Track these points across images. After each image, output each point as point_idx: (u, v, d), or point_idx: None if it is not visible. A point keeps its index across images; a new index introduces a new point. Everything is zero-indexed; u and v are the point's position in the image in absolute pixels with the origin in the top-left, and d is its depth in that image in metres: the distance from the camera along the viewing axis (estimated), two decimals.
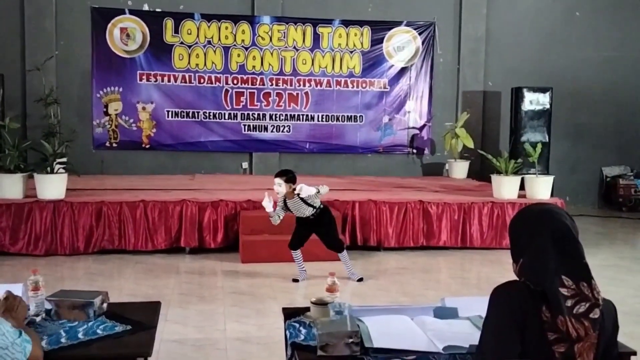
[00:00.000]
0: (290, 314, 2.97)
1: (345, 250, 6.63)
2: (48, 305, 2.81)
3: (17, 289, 2.71)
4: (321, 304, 2.88)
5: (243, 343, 4.82)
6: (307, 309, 2.95)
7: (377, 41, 11.40)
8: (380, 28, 11.40)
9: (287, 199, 6.38)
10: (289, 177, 6.39)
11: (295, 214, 6.45)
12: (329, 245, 6.59)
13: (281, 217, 6.40)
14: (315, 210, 6.39)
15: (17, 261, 7.23)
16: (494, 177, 8.76)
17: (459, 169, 11.20)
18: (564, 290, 1.88)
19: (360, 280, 6.66)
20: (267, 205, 6.26)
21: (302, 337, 2.67)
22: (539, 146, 8.99)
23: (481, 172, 11.14)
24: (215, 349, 4.69)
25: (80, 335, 2.59)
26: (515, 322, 1.90)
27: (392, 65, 11.51)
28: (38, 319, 2.75)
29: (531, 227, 2.01)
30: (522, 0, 11.91)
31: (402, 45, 11.50)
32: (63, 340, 2.54)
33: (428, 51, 11.59)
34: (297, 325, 2.81)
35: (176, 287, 6.38)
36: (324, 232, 6.53)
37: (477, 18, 11.69)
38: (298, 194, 6.23)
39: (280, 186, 6.32)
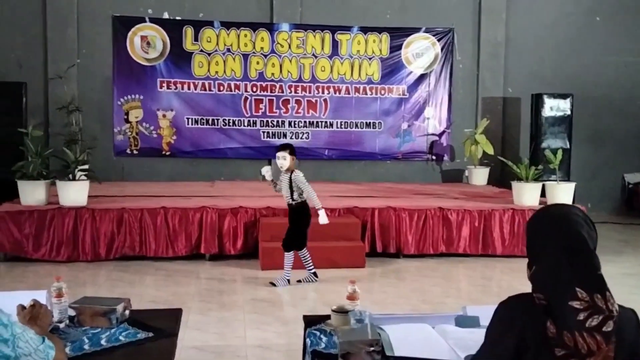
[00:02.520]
0: (311, 321, 2.96)
1: (305, 249, 6.71)
2: (71, 312, 2.84)
3: (41, 296, 2.74)
4: (342, 312, 2.87)
5: (263, 350, 4.82)
6: (328, 317, 2.95)
7: (395, 48, 11.39)
8: (399, 34, 11.39)
9: (283, 173, 6.53)
10: (292, 149, 6.53)
11: (279, 190, 6.61)
12: (291, 240, 6.62)
13: (279, 190, 6.61)
14: (294, 201, 6.51)
15: (39, 267, 7.31)
16: (515, 184, 8.71)
17: (479, 176, 11.14)
18: (576, 304, 1.79)
19: (311, 281, 6.78)
20: (267, 173, 6.48)
21: (323, 345, 2.67)
22: (560, 152, 8.93)
23: (501, 178, 11.07)
24: (236, 356, 4.70)
25: (103, 342, 2.61)
26: (512, 341, 1.84)
27: (411, 72, 11.49)
28: (62, 325, 2.78)
29: (545, 234, 1.94)
30: (542, 5, 11.84)
31: (421, 51, 11.48)
32: (86, 347, 2.56)
33: (447, 57, 11.56)
34: (317, 333, 2.81)
35: (196, 294, 6.41)
36: (295, 224, 6.61)
37: (497, 23, 11.65)
38: (291, 171, 6.41)
39: (285, 159, 6.42)
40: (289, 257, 6.64)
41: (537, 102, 10.91)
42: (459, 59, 11.66)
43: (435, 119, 11.64)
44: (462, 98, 11.72)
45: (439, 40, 11.51)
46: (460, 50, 11.62)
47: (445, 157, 11.74)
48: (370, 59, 11.34)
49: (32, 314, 2.40)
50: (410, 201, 8.68)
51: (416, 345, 2.54)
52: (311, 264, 6.78)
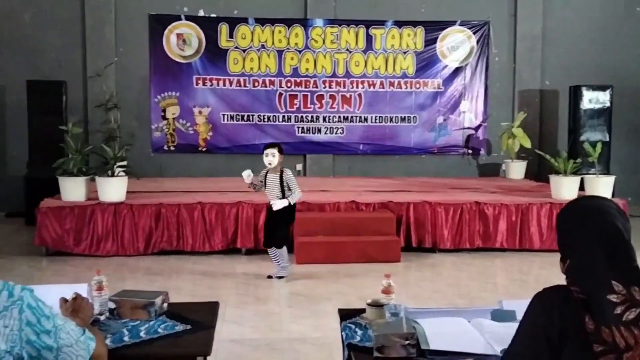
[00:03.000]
0: (346, 315, 2.98)
1: (285, 249, 6.65)
2: (111, 305, 2.90)
3: (82, 289, 2.80)
4: (377, 305, 2.88)
5: (299, 343, 4.86)
6: (363, 311, 2.96)
7: (430, 41, 11.31)
8: (433, 28, 11.30)
9: (269, 173, 6.45)
10: (281, 147, 6.50)
11: (267, 192, 6.49)
12: (273, 238, 6.56)
13: (259, 190, 6.53)
14: (284, 201, 6.40)
15: (80, 262, 7.46)
16: (553, 178, 8.58)
17: (516, 170, 11.00)
18: (613, 297, 1.74)
19: (280, 277, 6.71)
20: (247, 177, 6.32)
21: (358, 338, 2.68)
22: (599, 145, 8.77)
23: (539, 172, 10.92)
24: (272, 349, 4.75)
25: (142, 334, 2.66)
26: (549, 334, 1.78)
27: (446, 66, 11.40)
28: (102, 317, 2.84)
29: (579, 226, 1.88)
30: None
31: (456, 45, 11.38)
32: (126, 338, 2.62)
33: (483, 50, 11.44)
34: (353, 326, 2.82)
35: (233, 288, 6.48)
36: (279, 222, 6.50)
37: (533, 15, 11.47)
38: (282, 170, 6.36)
39: (274, 156, 6.35)
40: (272, 251, 6.65)
41: (575, 94, 10.73)
42: (495, 51, 11.52)
43: (471, 112, 11.53)
44: (499, 91, 11.59)
45: (474, 33, 11.39)
46: (496, 43, 11.48)
47: (482, 151, 11.62)
48: (404, 53, 11.28)
49: (74, 307, 2.46)
50: (446, 195, 8.62)
51: (451, 339, 2.53)
52: (285, 259, 6.72)
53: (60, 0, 10.69)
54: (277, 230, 6.54)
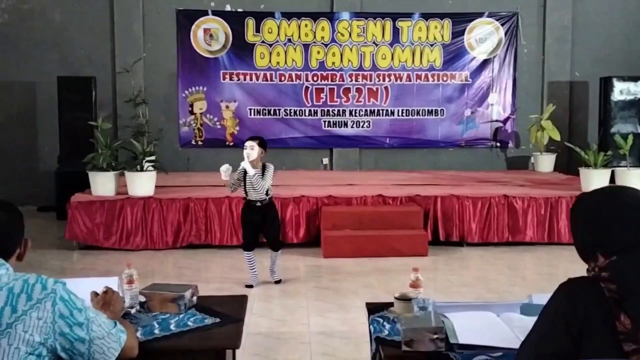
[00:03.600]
0: (374, 309, 2.97)
1: (280, 252, 6.40)
2: (142, 298, 2.93)
3: (113, 282, 2.84)
4: (405, 299, 2.87)
5: (327, 337, 4.87)
6: (391, 304, 2.95)
7: (458, 33, 11.21)
8: (461, 20, 11.20)
9: (249, 170, 5.97)
10: (262, 141, 6.13)
11: (248, 190, 6.08)
12: (272, 241, 6.34)
13: (236, 188, 6.17)
14: (265, 198, 6.08)
15: (110, 255, 7.56)
16: (583, 171, 8.47)
17: (545, 163, 10.87)
18: None
19: (278, 282, 6.40)
20: (225, 172, 5.96)
21: (386, 332, 2.68)
22: (631, 137, 8.64)
23: (568, 165, 10.78)
24: (300, 343, 4.77)
25: (172, 327, 2.69)
26: (570, 324, 1.71)
27: (474, 58, 11.29)
28: (133, 310, 2.87)
29: (623, 220, 1.78)
30: None
31: (484, 36, 11.26)
32: (156, 331, 2.65)
33: (511, 42, 11.30)
34: (380, 320, 2.82)
35: (260, 281, 6.51)
36: (270, 224, 6.22)
37: (563, 6, 11.30)
38: (264, 165, 6.04)
39: (253, 149, 5.95)
40: (249, 255, 6.30)
41: (606, 85, 10.56)
42: (524, 43, 11.38)
43: (499, 105, 11.42)
44: (527, 83, 11.45)
45: (502, 24, 11.27)
46: (525, 34, 11.34)
47: (510, 144, 11.51)
48: (432, 45, 11.20)
49: (105, 300, 2.50)
50: (474, 189, 8.56)
51: (480, 333, 2.52)
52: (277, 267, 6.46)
53: None
54: (272, 231, 6.28)
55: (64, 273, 6.74)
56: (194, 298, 2.98)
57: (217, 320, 2.78)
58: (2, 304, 1.97)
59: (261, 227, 6.25)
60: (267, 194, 6.10)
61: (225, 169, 5.96)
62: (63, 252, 7.72)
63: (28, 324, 1.97)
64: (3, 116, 10.80)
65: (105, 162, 7.99)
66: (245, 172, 6.01)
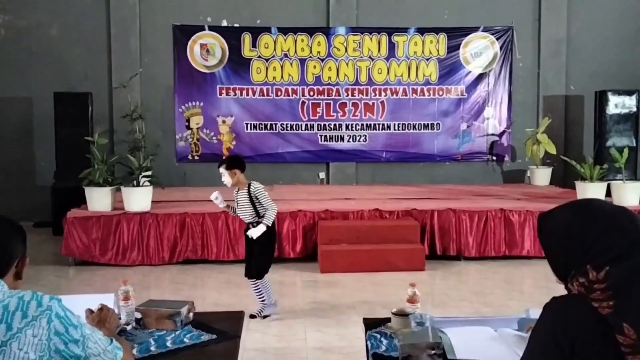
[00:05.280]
0: (371, 324, 2.97)
1: (266, 280, 5.68)
2: (138, 315, 2.92)
3: (109, 299, 2.83)
4: (402, 314, 2.86)
5: (324, 352, 4.85)
6: (388, 320, 2.94)
7: (453, 48, 11.27)
8: (456, 34, 11.27)
9: (238, 191, 5.60)
10: (230, 162, 5.60)
11: (239, 214, 5.64)
12: (251, 267, 5.62)
13: (235, 213, 5.72)
14: (257, 221, 5.51)
15: (106, 271, 7.53)
16: (579, 184, 8.49)
17: (541, 176, 10.90)
18: None
19: (265, 317, 5.66)
20: (214, 199, 5.58)
21: (384, 347, 2.67)
22: (626, 151, 8.66)
23: (564, 178, 10.80)
24: (297, 358, 4.74)
25: (168, 344, 2.68)
26: (561, 345, 1.67)
27: (470, 72, 11.35)
28: (129, 327, 2.86)
29: (609, 232, 1.72)
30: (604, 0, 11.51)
31: (479, 51, 11.32)
32: (152, 348, 2.63)
33: (507, 56, 11.36)
34: (378, 335, 2.81)
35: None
36: (257, 249, 5.56)
37: (558, 20, 11.38)
38: (249, 184, 5.53)
39: (225, 176, 5.53)
40: (265, 284, 5.69)
41: (601, 99, 10.61)
42: (519, 57, 11.44)
43: (495, 118, 11.46)
44: (523, 97, 11.50)
45: (497, 39, 11.33)
46: (520, 48, 11.41)
47: (506, 158, 11.53)
48: (427, 59, 11.25)
49: (100, 317, 2.49)
50: (471, 203, 8.57)
51: (478, 349, 2.51)
52: (269, 293, 5.75)
53: (86, 13, 10.84)
54: (255, 257, 5.61)
55: (60, 289, 6.71)
56: (191, 314, 2.97)
57: (214, 336, 2.77)
58: None
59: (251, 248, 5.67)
60: (258, 216, 5.52)
61: (214, 197, 5.58)
62: (59, 268, 7.68)
63: (23, 342, 1.96)
64: (0, 132, 10.78)
65: (102, 178, 7.98)
66: (236, 195, 5.64)
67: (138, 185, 8.04)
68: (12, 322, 1.96)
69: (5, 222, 2.19)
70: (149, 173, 8.43)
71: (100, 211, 7.92)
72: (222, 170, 5.57)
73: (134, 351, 2.53)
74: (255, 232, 5.47)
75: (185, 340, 2.73)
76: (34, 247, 8.48)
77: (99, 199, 7.96)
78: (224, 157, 5.86)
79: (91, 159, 8.14)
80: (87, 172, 8.00)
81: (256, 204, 5.52)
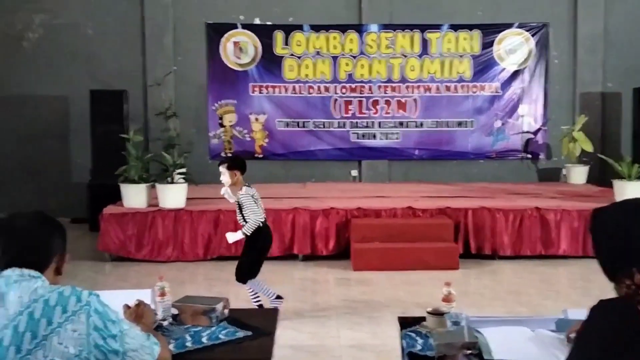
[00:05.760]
0: (406, 323, 2.95)
1: (248, 285, 5.55)
2: (174, 310, 2.95)
3: (146, 295, 2.86)
4: (437, 314, 2.84)
5: (357, 350, 4.84)
6: (423, 319, 2.92)
7: (487, 44, 11.15)
8: (490, 31, 11.13)
9: (227, 198, 5.59)
10: (232, 163, 5.55)
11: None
12: (237, 267, 5.59)
13: None
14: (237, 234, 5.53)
15: (141, 267, 7.62)
16: (616, 183, 8.33)
17: (578, 174, 10.71)
18: None
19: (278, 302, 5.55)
20: (224, 193, 5.60)
21: (419, 346, 2.65)
22: None
23: (601, 177, 10.60)
24: (330, 356, 4.74)
25: (204, 340, 2.70)
26: (609, 353, 1.63)
27: (504, 69, 11.20)
28: (165, 323, 2.89)
29: None
30: None
31: (514, 47, 11.17)
32: (188, 344, 2.66)
33: (542, 53, 11.19)
34: (413, 334, 2.79)
35: (290, 294, 6.48)
36: (245, 250, 5.59)
37: (595, 15, 11.16)
38: (240, 188, 5.45)
39: (224, 175, 5.46)
40: (254, 284, 5.57)
41: (639, 96, 10.38)
42: (555, 54, 11.26)
43: (530, 116, 11.30)
44: (559, 94, 11.32)
45: (532, 35, 11.17)
46: (555, 45, 11.23)
47: (542, 156, 11.37)
48: (461, 56, 11.15)
49: (137, 313, 2.52)
50: (506, 201, 8.47)
51: (516, 349, 2.48)
52: (271, 291, 5.62)
53: (121, 12, 10.98)
54: (243, 257, 5.61)
55: (97, 284, 6.82)
56: (226, 311, 2.99)
57: (249, 333, 2.78)
58: (38, 316, 1.99)
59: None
60: (245, 220, 5.46)
61: (224, 191, 5.62)
62: (96, 264, 7.80)
63: (63, 336, 1.99)
64: (37, 129, 10.98)
65: (137, 175, 8.07)
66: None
67: (172, 182, 8.12)
68: (53, 316, 2.00)
69: (45, 219, 2.23)
70: (183, 170, 8.51)
71: (135, 208, 8.02)
72: (222, 169, 5.51)
73: (171, 346, 2.55)
74: (231, 237, 5.55)
75: (221, 336, 2.75)
76: (71, 243, 8.55)
77: (134, 196, 8.06)
78: (226, 156, 5.73)
79: (126, 156, 8.25)
80: (123, 169, 8.11)
81: (243, 209, 5.45)
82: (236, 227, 7.81)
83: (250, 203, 5.42)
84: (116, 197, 8.30)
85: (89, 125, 10.13)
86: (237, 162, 5.65)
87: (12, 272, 2.08)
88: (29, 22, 10.96)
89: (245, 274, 5.51)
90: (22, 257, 2.11)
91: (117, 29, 10.98)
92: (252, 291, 5.56)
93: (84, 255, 8.03)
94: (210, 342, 2.68)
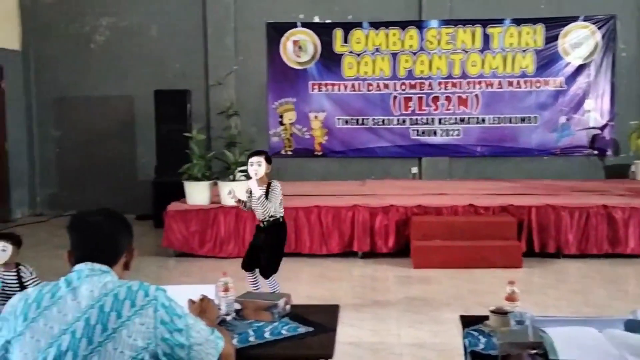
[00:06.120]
0: (468, 322, 2.92)
1: (272, 278, 5.57)
2: (237, 306, 3.00)
3: (210, 290, 2.92)
4: (501, 313, 2.80)
5: (418, 349, 4.81)
6: (486, 318, 2.89)
7: (551, 38, 10.88)
8: (555, 25, 10.86)
9: (253, 192, 5.48)
10: (268, 155, 5.58)
11: (254, 209, 5.56)
12: (261, 266, 5.55)
13: (249, 208, 5.63)
14: (272, 217, 5.48)
15: (204, 262, 7.77)
16: None
17: None
18: None
19: None
20: (228, 193, 5.64)
21: (482, 345, 2.62)
22: None
23: None
24: (391, 354, 4.73)
25: (266, 335, 2.74)
26: None
27: (569, 63, 10.91)
28: (228, 318, 2.94)
29: None
30: None
31: (579, 41, 10.87)
32: (251, 339, 2.70)
33: (609, 46, 10.85)
34: (475, 333, 2.77)
35: (350, 291, 6.51)
36: (265, 246, 5.52)
37: None
38: (269, 182, 5.44)
39: (260, 165, 5.40)
40: (250, 276, 5.60)
41: None
42: (622, 47, 10.90)
43: (596, 111, 10.97)
44: (627, 88, 10.95)
45: (599, 28, 10.84)
46: (623, 37, 10.86)
47: (609, 152, 11.02)
48: (524, 51, 10.92)
49: (202, 308, 2.57)
50: (571, 199, 8.25)
51: (582, 350, 2.42)
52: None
53: (184, 13, 11.21)
54: (263, 254, 5.53)
55: (161, 279, 6.99)
56: (287, 307, 3.02)
57: (311, 329, 2.81)
58: (108, 310, 2.04)
59: (261, 245, 5.57)
60: (271, 216, 5.46)
61: (228, 191, 5.63)
62: (160, 259, 8.00)
63: (132, 329, 2.04)
64: (104, 129, 11.34)
65: (200, 172, 8.23)
66: (250, 191, 5.52)
67: (234, 179, 8.24)
68: (122, 310, 2.05)
69: (115, 216, 2.31)
70: (245, 168, 8.59)
71: (198, 205, 8.18)
72: (260, 159, 5.43)
73: (234, 341, 2.60)
74: (255, 188, 5.38)
75: (283, 332, 2.78)
76: (137, 239, 8.77)
77: (197, 193, 8.22)
78: (258, 150, 5.75)
79: (190, 155, 8.41)
80: (186, 167, 8.28)
81: (272, 199, 5.41)
82: (295, 224, 7.94)
83: (278, 193, 5.45)
84: (180, 195, 8.48)
85: (154, 125, 10.38)
86: (270, 157, 5.66)
87: (84, 267, 2.15)
88: (96, 25, 11.32)
89: (274, 270, 5.57)
90: (94, 253, 2.18)
91: (180, 30, 11.22)
92: (273, 283, 5.58)
93: (149, 251, 8.24)
94: (272, 338, 2.72)
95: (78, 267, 2.16)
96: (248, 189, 5.54)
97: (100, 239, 2.21)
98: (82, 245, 2.20)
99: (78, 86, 11.37)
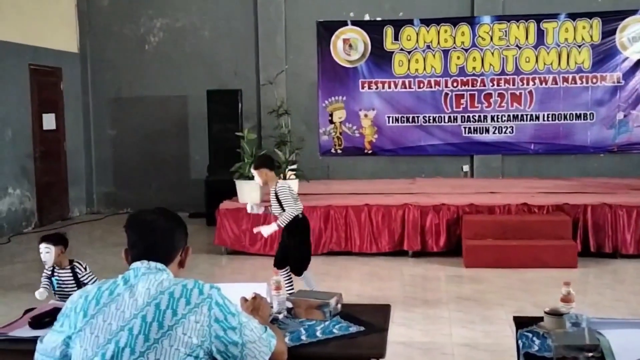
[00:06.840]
0: (522, 323, 2.88)
1: (305, 275, 5.65)
2: (289, 304, 3.02)
3: (262, 288, 2.95)
4: (556, 314, 2.75)
5: (470, 349, 4.76)
6: (540, 319, 2.84)
7: (608, 33, 10.59)
8: (612, 19, 10.57)
9: (248, 209, 5.66)
10: (258, 162, 5.54)
11: (271, 208, 5.59)
12: (290, 263, 5.56)
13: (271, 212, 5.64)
14: (272, 226, 5.53)
15: (255, 261, 7.85)
16: None
17: None
18: None
19: None
20: (250, 210, 5.71)
21: (536, 347, 2.58)
22: None
23: None
24: (442, 354, 4.70)
25: (318, 334, 2.75)
26: None
27: (627, 58, 10.61)
28: (280, 316, 2.97)
29: None
30: None
31: (637, 35, 10.55)
32: (303, 337, 2.72)
33: None
34: (529, 335, 2.72)
35: (400, 290, 6.49)
36: (289, 245, 5.54)
37: None
38: (277, 183, 5.43)
39: (256, 177, 5.51)
40: (282, 273, 5.44)
41: None
42: None
43: None
44: None
45: None
46: None
47: None
48: (579, 46, 10.66)
49: (254, 306, 2.60)
50: (629, 197, 8.03)
51: None
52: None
53: (235, 13, 11.35)
54: (291, 253, 5.58)
55: (214, 277, 7.10)
56: (339, 306, 3.03)
57: (362, 328, 2.81)
58: (164, 308, 2.09)
59: (287, 242, 5.62)
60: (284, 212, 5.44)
61: (249, 208, 5.72)
62: (213, 257, 8.12)
63: (187, 327, 2.08)
64: (159, 128, 11.58)
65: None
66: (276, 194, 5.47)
67: (285, 178, 8.29)
68: (177, 308, 2.10)
69: (170, 215, 2.36)
70: (295, 167, 8.66)
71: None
72: (253, 171, 5.55)
73: (286, 339, 2.62)
74: (265, 230, 5.55)
75: (335, 330, 2.79)
76: (190, 237, 8.97)
77: (249, 192, 8.30)
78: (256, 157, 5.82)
79: (241, 154, 8.51)
80: (238, 166, 8.38)
81: (281, 202, 5.41)
82: (345, 222, 7.94)
83: (286, 195, 5.40)
84: (232, 193, 8.59)
85: (206, 124, 10.55)
86: (262, 159, 5.65)
87: (141, 265, 2.21)
88: (150, 26, 11.56)
89: (304, 267, 5.61)
90: (150, 251, 2.24)
91: (232, 31, 11.36)
92: (308, 279, 5.66)
93: (201, 249, 8.38)
94: (324, 337, 2.73)
95: (135, 265, 2.22)
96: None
97: (156, 238, 2.27)
98: (139, 244, 2.26)
99: (133, 87, 11.64)
